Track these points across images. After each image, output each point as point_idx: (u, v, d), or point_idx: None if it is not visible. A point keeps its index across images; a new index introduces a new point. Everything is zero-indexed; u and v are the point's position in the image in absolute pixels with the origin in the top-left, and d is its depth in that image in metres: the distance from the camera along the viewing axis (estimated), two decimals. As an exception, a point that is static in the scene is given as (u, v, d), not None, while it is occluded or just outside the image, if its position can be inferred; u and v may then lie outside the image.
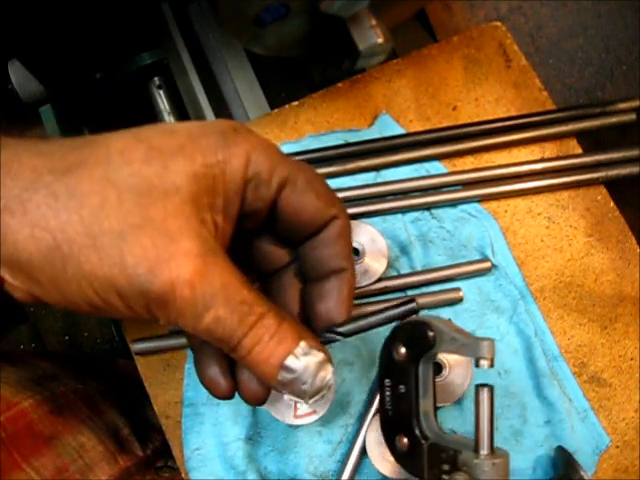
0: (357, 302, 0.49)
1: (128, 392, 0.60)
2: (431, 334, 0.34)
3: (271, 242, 0.38)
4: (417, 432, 0.34)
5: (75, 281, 0.29)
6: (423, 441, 0.34)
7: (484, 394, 0.33)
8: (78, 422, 0.49)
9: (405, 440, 0.34)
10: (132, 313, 0.31)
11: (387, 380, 0.34)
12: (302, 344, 0.32)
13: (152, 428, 0.57)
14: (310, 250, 0.37)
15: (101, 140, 0.31)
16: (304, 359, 0.31)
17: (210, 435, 0.48)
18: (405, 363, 0.34)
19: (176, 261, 0.29)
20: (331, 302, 0.36)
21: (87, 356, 1.03)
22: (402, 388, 0.34)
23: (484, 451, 0.33)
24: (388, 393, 0.34)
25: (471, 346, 0.32)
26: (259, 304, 0.32)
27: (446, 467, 0.33)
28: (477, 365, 0.32)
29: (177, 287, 0.29)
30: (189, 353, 0.49)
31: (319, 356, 0.32)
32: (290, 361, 0.31)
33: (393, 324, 0.35)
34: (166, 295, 0.29)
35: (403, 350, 0.34)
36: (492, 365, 0.32)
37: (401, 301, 0.35)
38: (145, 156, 0.30)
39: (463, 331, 0.35)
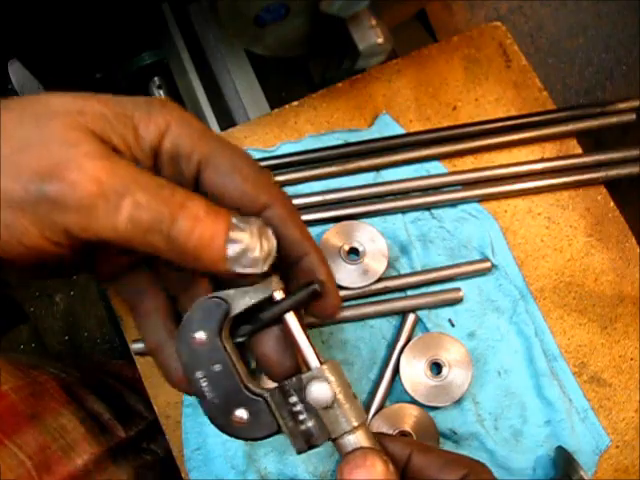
0: (357, 302, 0.49)
1: (110, 384, 0.61)
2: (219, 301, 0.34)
3: None
4: (251, 395, 0.33)
5: None
6: (263, 396, 0.33)
7: (290, 318, 0.33)
8: (58, 405, 0.49)
9: (241, 412, 0.33)
10: (42, 240, 0.29)
11: (198, 373, 0.34)
12: (235, 216, 0.30)
13: (135, 414, 0.57)
14: None
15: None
16: (245, 226, 0.30)
17: (210, 435, 0.48)
18: (208, 344, 0.33)
19: (76, 161, 0.28)
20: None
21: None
22: (217, 367, 0.33)
23: (316, 363, 0.33)
24: (204, 383, 0.34)
25: (260, 287, 0.33)
26: (180, 187, 0.30)
27: (294, 399, 0.33)
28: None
29: (80, 184, 0.27)
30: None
31: (256, 220, 0.31)
32: (234, 233, 0.30)
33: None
34: (68, 194, 0.27)
35: (200, 334, 0.33)
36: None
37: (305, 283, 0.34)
38: (57, 94, 0.30)
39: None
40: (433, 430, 0.46)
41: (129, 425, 0.54)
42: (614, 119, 0.54)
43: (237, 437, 0.34)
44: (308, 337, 0.34)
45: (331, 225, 0.50)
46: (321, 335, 0.49)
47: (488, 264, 0.50)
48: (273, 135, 0.54)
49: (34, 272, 0.32)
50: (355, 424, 0.32)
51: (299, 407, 0.33)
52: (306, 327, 0.34)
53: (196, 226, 0.29)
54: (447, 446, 0.48)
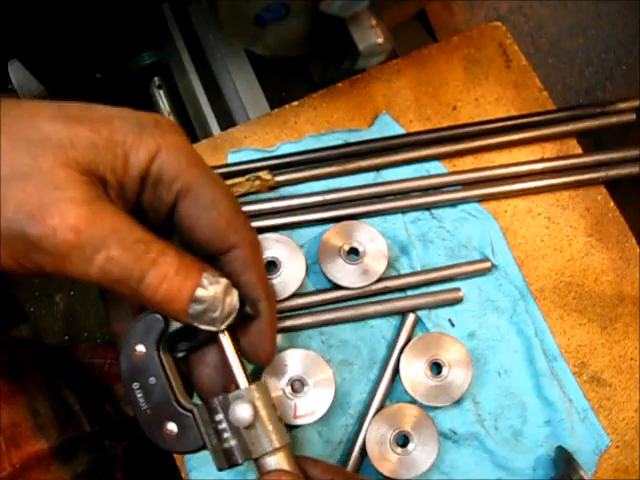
0: (357, 302, 0.49)
1: (85, 379, 0.62)
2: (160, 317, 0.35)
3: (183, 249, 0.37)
4: (181, 409, 0.35)
5: None
6: (191, 412, 0.34)
7: (223, 338, 0.35)
8: (34, 389, 0.50)
9: (171, 425, 0.34)
10: (16, 265, 0.30)
11: (135, 384, 0.35)
12: (206, 274, 0.32)
13: (104, 414, 0.59)
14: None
15: (27, 103, 0.32)
16: (212, 288, 0.32)
17: (210, 435, 0.48)
18: (146, 357, 0.35)
19: (59, 207, 0.29)
20: (251, 338, 0.36)
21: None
22: (152, 380, 0.35)
23: (244, 384, 0.35)
24: (140, 395, 0.35)
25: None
26: (157, 242, 0.31)
27: (219, 417, 0.34)
28: None
29: (59, 232, 0.29)
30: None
31: (223, 282, 0.33)
32: (200, 292, 0.32)
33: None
34: (47, 239, 0.29)
35: (140, 347, 0.35)
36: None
37: None
38: (50, 116, 0.31)
39: None
40: (433, 430, 0.46)
41: (95, 421, 0.56)
42: (614, 119, 0.54)
43: (166, 449, 0.35)
44: (240, 357, 0.35)
45: (331, 225, 0.50)
46: (321, 335, 0.49)
47: (488, 264, 0.50)
48: (273, 135, 0.54)
49: None
50: (276, 446, 0.34)
51: (224, 425, 0.34)
52: (238, 348, 0.35)
53: (163, 283, 0.31)
54: (447, 446, 0.48)
